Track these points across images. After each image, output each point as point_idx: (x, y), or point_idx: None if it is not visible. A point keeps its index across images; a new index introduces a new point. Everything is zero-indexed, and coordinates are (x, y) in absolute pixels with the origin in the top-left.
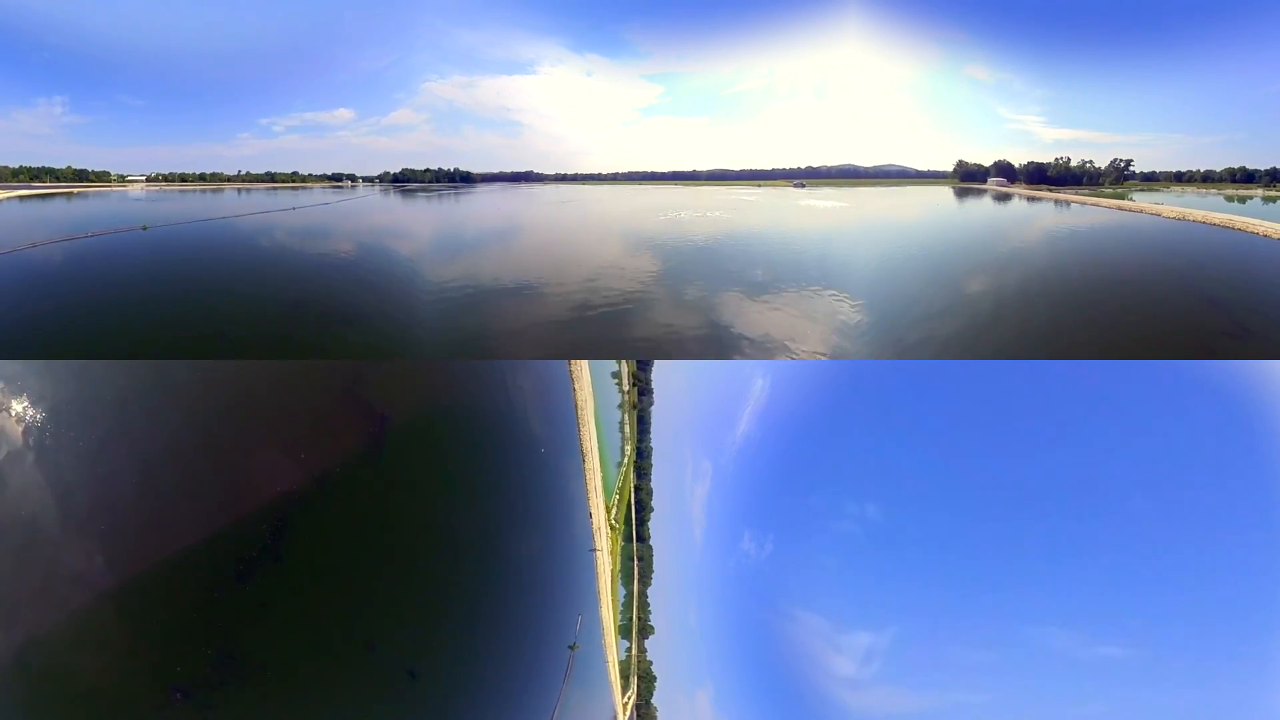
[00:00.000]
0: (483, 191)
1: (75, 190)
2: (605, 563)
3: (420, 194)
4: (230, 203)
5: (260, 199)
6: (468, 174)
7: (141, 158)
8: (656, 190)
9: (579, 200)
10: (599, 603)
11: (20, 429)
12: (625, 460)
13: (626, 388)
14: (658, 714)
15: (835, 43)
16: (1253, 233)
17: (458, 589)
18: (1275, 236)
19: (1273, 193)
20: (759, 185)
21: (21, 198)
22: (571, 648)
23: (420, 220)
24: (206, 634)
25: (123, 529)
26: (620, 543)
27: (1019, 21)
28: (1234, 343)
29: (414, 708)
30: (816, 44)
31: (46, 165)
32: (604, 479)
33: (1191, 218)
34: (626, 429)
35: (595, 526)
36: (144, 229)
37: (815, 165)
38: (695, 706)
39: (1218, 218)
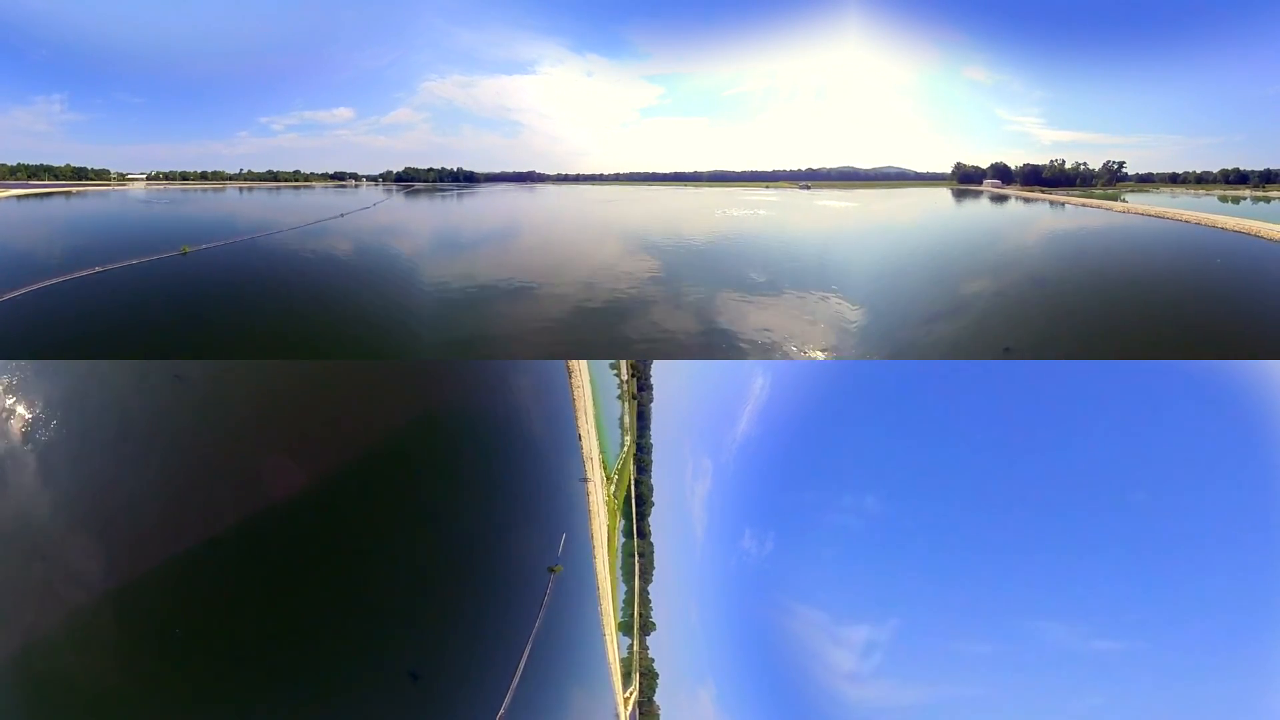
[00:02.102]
0: (494, 191)
1: (74, 189)
2: (598, 500)
3: (435, 194)
4: (271, 211)
5: (297, 201)
6: (471, 173)
7: (140, 156)
8: (691, 191)
9: (625, 199)
10: (591, 541)
11: (21, 429)
12: (624, 451)
13: (625, 378)
14: (660, 712)
15: (835, 45)
16: (1219, 227)
17: (459, 589)
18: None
19: (1261, 193)
20: (767, 186)
21: (19, 197)
22: (552, 570)
23: (493, 217)
24: (207, 635)
25: (123, 529)
26: (616, 496)
27: (1018, 23)
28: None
29: (415, 708)
30: (817, 46)
31: (45, 163)
32: (604, 463)
33: (1181, 218)
34: (626, 420)
35: (586, 455)
36: (183, 253)
37: (815, 167)
38: (697, 704)
39: (1198, 216)
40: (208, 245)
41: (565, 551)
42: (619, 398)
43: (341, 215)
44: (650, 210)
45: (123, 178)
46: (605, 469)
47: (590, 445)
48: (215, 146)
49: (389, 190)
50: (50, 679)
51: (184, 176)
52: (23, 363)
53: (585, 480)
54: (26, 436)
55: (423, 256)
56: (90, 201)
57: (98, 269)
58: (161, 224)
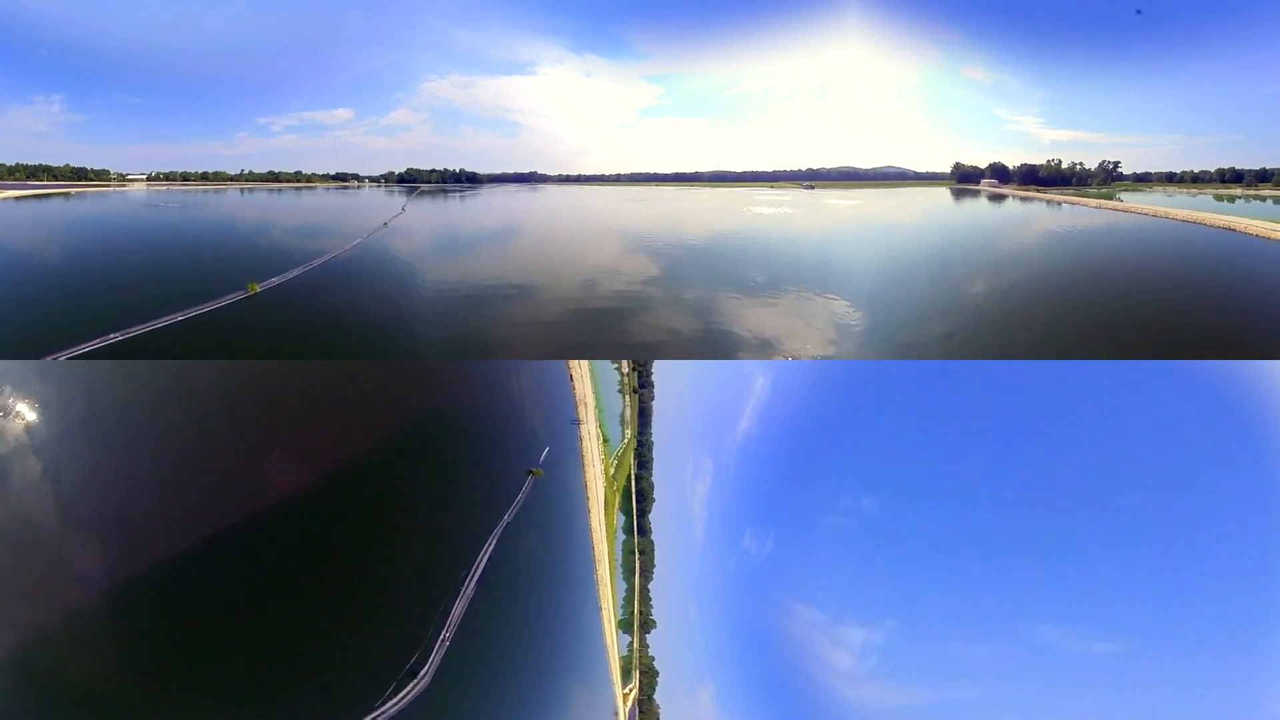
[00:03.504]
0: (499, 192)
1: (74, 190)
2: (592, 449)
3: (442, 195)
4: (294, 215)
5: (308, 204)
6: (474, 175)
7: (140, 156)
8: (709, 192)
9: (654, 198)
10: (584, 479)
11: (22, 429)
12: (625, 443)
13: (625, 372)
14: (660, 711)
15: (835, 44)
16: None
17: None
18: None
19: (1253, 192)
20: (771, 186)
21: (17, 198)
22: (530, 473)
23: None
24: (207, 634)
25: (124, 529)
26: (616, 479)
27: (1016, 22)
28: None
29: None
30: (816, 46)
31: (44, 164)
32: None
33: (1172, 216)
34: (627, 414)
35: (579, 398)
36: (251, 293)
37: (815, 167)
38: (697, 704)
39: (1186, 214)
40: (277, 280)
41: (565, 549)
42: (619, 391)
43: (385, 224)
44: (693, 205)
45: (123, 178)
46: (602, 428)
47: (584, 389)
48: (215, 147)
49: (391, 191)
50: (49, 678)
51: (184, 177)
52: (23, 362)
53: (577, 423)
54: (28, 435)
55: (448, 255)
56: (93, 204)
57: (161, 321)
58: (194, 241)
